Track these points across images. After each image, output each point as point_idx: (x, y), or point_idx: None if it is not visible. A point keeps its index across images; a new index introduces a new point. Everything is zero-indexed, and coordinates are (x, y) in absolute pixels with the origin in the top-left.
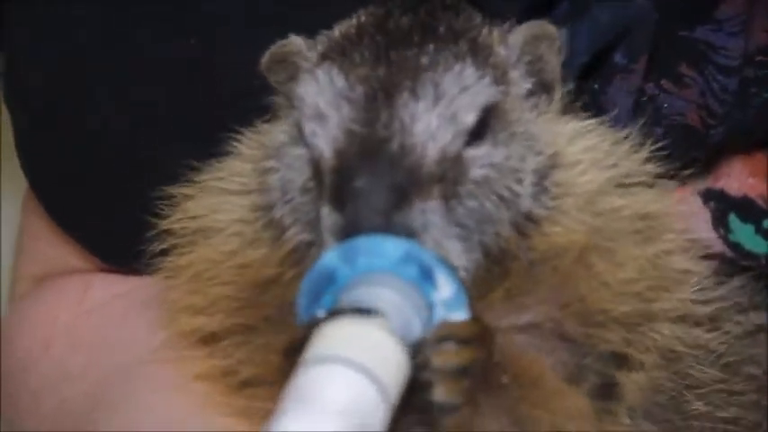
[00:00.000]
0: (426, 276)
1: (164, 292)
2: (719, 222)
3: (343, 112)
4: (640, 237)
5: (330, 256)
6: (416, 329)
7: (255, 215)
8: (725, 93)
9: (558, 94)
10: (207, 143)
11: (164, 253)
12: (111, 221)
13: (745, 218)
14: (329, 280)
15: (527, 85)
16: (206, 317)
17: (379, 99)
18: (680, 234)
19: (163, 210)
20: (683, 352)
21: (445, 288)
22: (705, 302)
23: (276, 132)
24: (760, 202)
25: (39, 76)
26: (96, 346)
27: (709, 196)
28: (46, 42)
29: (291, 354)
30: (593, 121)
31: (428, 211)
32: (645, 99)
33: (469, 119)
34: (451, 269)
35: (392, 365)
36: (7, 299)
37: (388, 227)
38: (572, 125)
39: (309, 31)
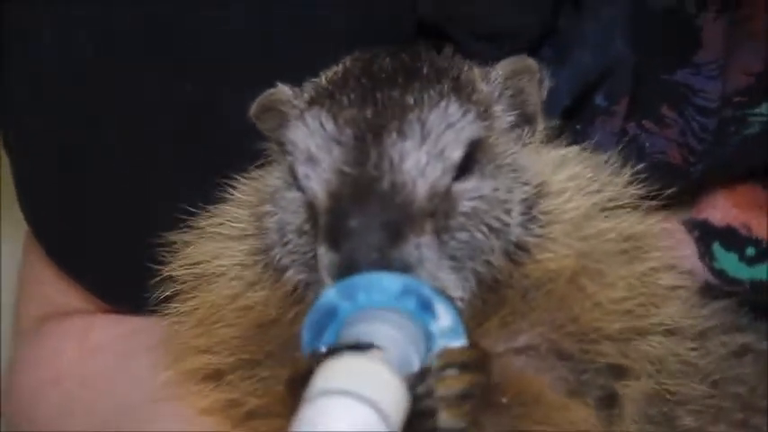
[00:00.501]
0: (425, 308)
1: (168, 335)
2: (704, 251)
3: (334, 154)
4: (627, 257)
5: (331, 293)
6: (415, 361)
7: (254, 259)
8: (704, 132)
9: (540, 125)
10: (207, 187)
11: (168, 299)
12: (112, 263)
13: (728, 246)
14: (331, 316)
15: (510, 117)
16: (211, 355)
17: (368, 140)
18: (665, 252)
19: (164, 256)
20: (673, 366)
21: (444, 318)
22: (692, 318)
23: (270, 178)
24: (742, 231)
25: (39, 120)
26: (103, 383)
27: (693, 226)
28: (46, 87)
29: (294, 386)
30: (575, 148)
31: (422, 246)
32: (627, 139)
33: (456, 154)
34: (449, 299)
35: (393, 396)
36: (8, 337)
37: (385, 263)
38: (555, 154)
39: (303, 77)
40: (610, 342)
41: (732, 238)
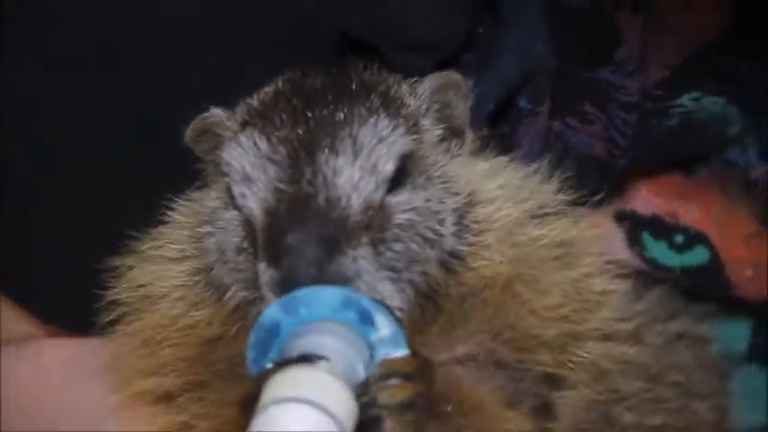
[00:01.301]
0: (365, 319)
1: (115, 357)
2: (634, 240)
3: (269, 172)
4: (560, 263)
5: (272, 310)
6: (360, 371)
7: (195, 279)
8: (626, 126)
9: (468, 137)
10: (147, 209)
11: (113, 322)
12: (55, 288)
13: (657, 235)
14: (274, 332)
15: (438, 131)
16: (159, 377)
17: (302, 157)
18: (597, 257)
19: (108, 281)
20: (611, 368)
21: (384, 328)
22: (626, 320)
23: (208, 199)
24: (669, 219)
25: None
26: (54, 407)
27: (621, 217)
28: None
29: (246, 407)
30: (503, 158)
31: (359, 258)
32: (552, 136)
33: (388, 168)
34: (388, 310)
35: (342, 403)
36: None
37: (323, 277)
38: (484, 164)
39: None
40: (546, 349)
41: (659, 226)
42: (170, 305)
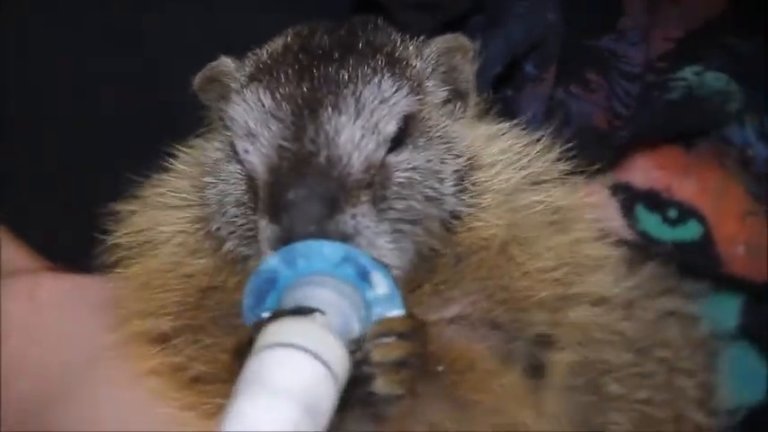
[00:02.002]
0: (363, 276)
1: (114, 297)
2: (627, 213)
3: (273, 129)
4: (555, 228)
5: (272, 261)
6: (355, 327)
7: (195, 227)
8: (629, 97)
9: (472, 100)
10: (148, 155)
11: (112, 265)
12: (57, 223)
13: (651, 208)
14: (271, 283)
15: (443, 93)
16: (155, 318)
17: (305, 115)
18: (592, 224)
19: (108, 224)
20: (600, 338)
21: (381, 287)
22: (618, 287)
23: (210, 149)
24: (665, 193)
25: None
26: (50, 342)
27: (615, 189)
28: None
29: (240, 354)
30: (506, 124)
31: (359, 216)
32: (555, 103)
33: (390, 128)
34: (386, 269)
35: (337, 356)
36: None
37: (322, 234)
38: (487, 129)
39: (246, 49)
40: (538, 311)
41: (654, 200)
42: (170, 251)
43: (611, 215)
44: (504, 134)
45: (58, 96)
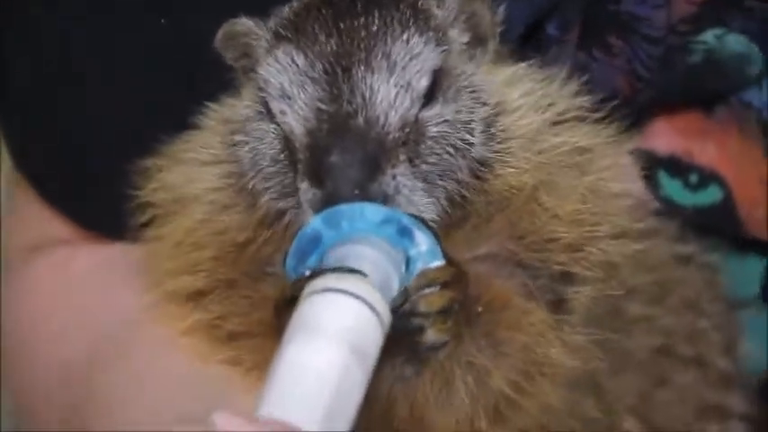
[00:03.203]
0: (404, 234)
1: (146, 259)
2: (650, 179)
3: (308, 90)
4: (579, 169)
5: (316, 222)
6: (395, 284)
7: (227, 182)
8: (650, 60)
9: (491, 45)
10: (182, 117)
11: (144, 224)
12: (94, 191)
13: (672, 174)
14: (315, 242)
15: (464, 39)
16: (189, 276)
17: (339, 74)
18: (614, 160)
19: (139, 182)
20: (621, 264)
21: (423, 243)
22: (639, 221)
23: (239, 107)
24: (686, 158)
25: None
26: (88, 309)
27: (638, 156)
28: (31, 38)
29: (280, 309)
30: (524, 65)
31: (398, 176)
32: (578, 67)
33: (422, 84)
34: (426, 226)
35: (382, 308)
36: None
37: (365, 196)
38: (507, 72)
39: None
40: (563, 251)
41: (676, 165)
42: (202, 208)
43: (633, 181)
44: (523, 76)
45: (87, 56)
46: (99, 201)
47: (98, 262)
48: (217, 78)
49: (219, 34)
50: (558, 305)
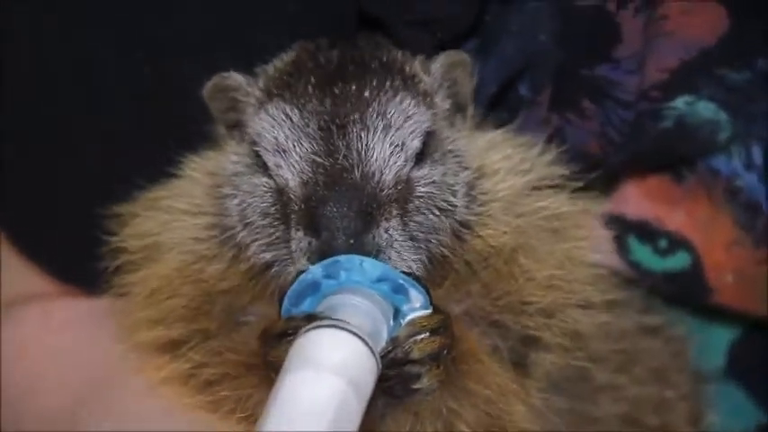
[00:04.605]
0: (398, 291)
1: (120, 307)
2: (619, 244)
3: (304, 145)
4: (556, 235)
5: (317, 270)
6: (384, 333)
7: (209, 234)
8: (623, 123)
9: (470, 111)
10: (159, 166)
11: (118, 271)
12: (69, 246)
13: (642, 239)
14: (312, 289)
15: (447, 106)
16: (163, 327)
17: (334, 131)
18: (588, 231)
19: (112, 228)
20: (587, 334)
21: (416, 300)
22: (608, 291)
23: (225, 161)
24: (655, 224)
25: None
26: (67, 361)
27: (608, 221)
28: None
29: (267, 339)
30: (503, 131)
31: (390, 230)
32: (551, 130)
33: (415, 144)
34: (419, 283)
35: (376, 347)
36: None
37: (359, 248)
38: (486, 137)
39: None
40: (535, 315)
41: (646, 231)
42: (179, 257)
43: (603, 246)
44: (503, 141)
45: (73, 110)
46: (76, 254)
47: (80, 314)
48: (193, 130)
49: (209, 85)
50: (518, 368)
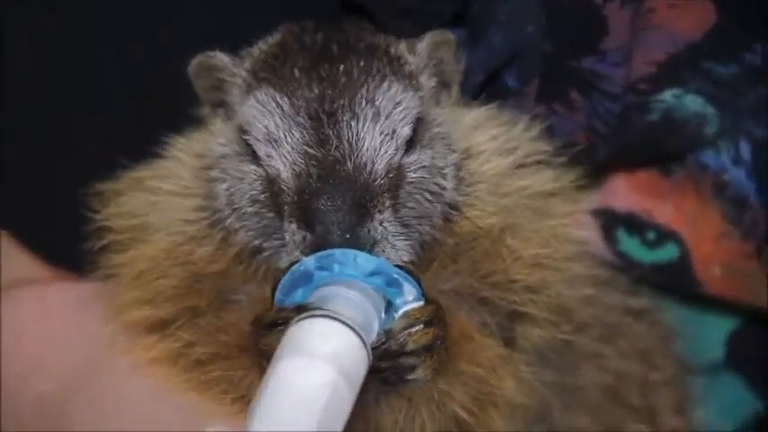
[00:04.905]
0: (392, 285)
1: (109, 288)
2: (608, 236)
3: (296, 135)
4: (541, 213)
5: (309, 262)
6: (375, 326)
7: (199, 215)
8: (609, 116)
9: (454, 89)
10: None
11: (102, 249)
12: (69, 246)
13: (631, 231)
14: (305, 279)
15: (431, 84)
16: (152, 306)
17: (324, 120)
18: (573, 206)
19: (95, 205)
20: (574, 308)
21: (410, 294)
22: (593, 266)
23: (211, 143)
24: (644, 216)
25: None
26: (62, 344)
27: (597, 214)
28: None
29: (258, 325)
30: (487, 108)
31: (384, 221)
32: (537, 118)
33: (405, 131)
34: (412, 276)
35: (367, 338)
36: None
37: (354, 241)
38: (472, 115)
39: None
40: (520, 291)
41: (634, 223)
42: (168, 237)
43: (592, 237)
44: (488, 119)
45: (72, 108)
46: (69, 241)
47: (72, 298)
48: (179, 112)
49: (194, 63)
50: (510, 342)
